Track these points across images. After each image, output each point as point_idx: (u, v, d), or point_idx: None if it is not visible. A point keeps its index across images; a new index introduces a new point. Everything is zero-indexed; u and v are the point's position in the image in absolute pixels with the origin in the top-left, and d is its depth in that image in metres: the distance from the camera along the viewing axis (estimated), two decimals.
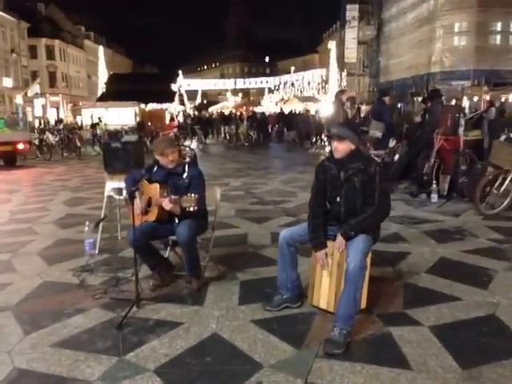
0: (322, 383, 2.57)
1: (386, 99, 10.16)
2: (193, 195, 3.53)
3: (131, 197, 3.55)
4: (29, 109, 39.59)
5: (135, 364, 2.80)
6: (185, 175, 3.85)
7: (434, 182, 7.27)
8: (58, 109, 49.72)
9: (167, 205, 3.64)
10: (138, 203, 3.75)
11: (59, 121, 30.97)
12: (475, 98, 23.31)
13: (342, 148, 3.21)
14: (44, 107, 41.34)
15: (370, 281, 3.35)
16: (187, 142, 19.04)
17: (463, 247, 4.87)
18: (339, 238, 3.21)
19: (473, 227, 5.65)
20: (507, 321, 3.21)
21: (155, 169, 3.86)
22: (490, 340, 2.96)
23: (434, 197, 7.12)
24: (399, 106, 31.74)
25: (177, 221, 3.85)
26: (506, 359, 2.71)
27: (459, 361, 2.72)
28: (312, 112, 25.29)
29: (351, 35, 46.30)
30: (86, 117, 27.33)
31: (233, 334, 3.12)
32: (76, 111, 36.62)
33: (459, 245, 4.98)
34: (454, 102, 12.83)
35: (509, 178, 6.18)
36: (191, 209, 3.52)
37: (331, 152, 3.38)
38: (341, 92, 10.37)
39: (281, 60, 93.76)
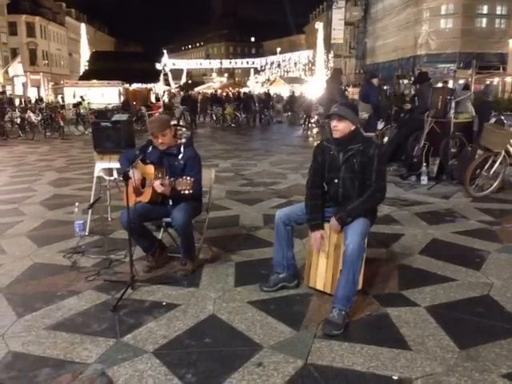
0: (322, 364, 2.57)
1: (374, 81, 10.15)
2: (188, 178, 3.47)
3: (125, 177, 3.46)
4: (9, 87, 38.61)
5: (133, 346, 2.77)
6: (180, 156, 3.77)
7: (424, 164, 7.31)
8: (38, 87, 48.52)
9: (158, 187, 3.58)
10: (133, 182, 3.67)
11: (40, 99, 30.25)
12: (461, 81, 23.49)
13: (341, 127, 3.16)
14: (25, 86, 40.24)
15: (365, 262, 3.35)
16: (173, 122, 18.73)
17: (454, 229, 4.92)
18: (334, 223, 3.19)
19: (463, 209, 5.70)
20: (501, 301, 3.25)
21: (150, 149, 3.78)
22: (485, 320, 3.00)
23: (424, 179, 7.17)
24: (385, 88, 31.76)
25: (171, 203, 3.79)
26: (503, 339, 2.75)
27: (457, 341, 2.75)
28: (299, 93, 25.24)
29: (338, 16, 46.00)
30: (68, 95, 26.63)
31: (230, 316, 3.11)
32: (57, 90, 35.68)
33: (450, 226, 5.02)
34: (440, 85, 12.89)
35: (498, 161, 6.24)
36: (186, 192, 3.47)
37: (330, 132, 3.34)
38: (339, 71, 10.28)
39: (266, 40, 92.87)
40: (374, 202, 3.29)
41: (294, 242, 3.58)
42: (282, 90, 33.08)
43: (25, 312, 3.20)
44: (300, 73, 45.48)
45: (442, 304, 3.23)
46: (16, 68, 32.76)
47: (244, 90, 36.04)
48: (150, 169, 3.69)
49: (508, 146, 6.40)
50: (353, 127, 3.20)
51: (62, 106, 25.10)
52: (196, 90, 41.58)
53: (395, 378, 2.44)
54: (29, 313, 3.18)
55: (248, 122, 22.06)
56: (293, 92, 28.34)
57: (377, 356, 2.62)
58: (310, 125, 18.40)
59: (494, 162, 6.25)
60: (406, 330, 2.89)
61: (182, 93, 28.29)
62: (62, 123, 17.06)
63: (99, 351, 2.71)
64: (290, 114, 23.49)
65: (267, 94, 26.40)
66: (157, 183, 3.58)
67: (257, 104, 22.91)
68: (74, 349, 2.75)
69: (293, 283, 3.50)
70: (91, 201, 4.88)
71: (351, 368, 2.53)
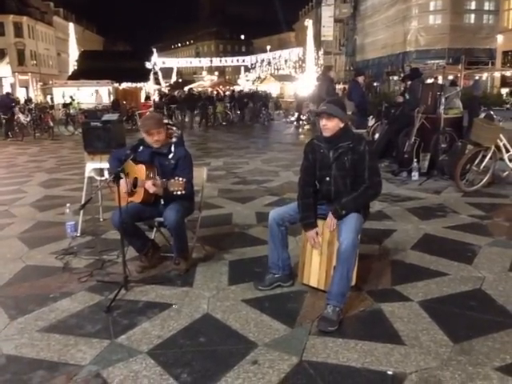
0: (317, 360, 2.58)
1: (360, 78, 10.18)
2: (181, 179, 3.46)
3: (117, 177, 3.44)
4: None
5: (128, 346, 2.75)
6: (171, 156, 3.75)
7: (415, 159, 7.35)
8: (27, 88, 48.08)
9: (150, 187, 3.57)
10: (124, 184, 3.65)
11: (29, 100, 29.99)
12: (450, 77, 23.63)
13: (331, 126, 3.16)
14: (13, 86, 39.85)
15: (358, 258, 3.36)
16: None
17: (446, 223, 4.95)
18: (330, 217, 3.19)
19: (454, 204, 5.75)
20: (493, 294, 3.28)
21: (141, 148, 3.75)
22: (478, 314, 3.03)
23: (415, 175, 7.21)
24: (375, 84, 31.84)
25: (162, 202, 3.77)
26: (496, 332, 2.78)
27: (450, 335, 2.77)
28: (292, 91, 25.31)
29: (328, 13, 45.93)
30: (57, 96, 26.39)
31: (225, 314, 3.10)
32: (46, 90, 35.36)
33: (442, 221, 5.06)
34: (431, 81, 12.99)
35: (488, 156, 6.30)
36: (179, 193, 3.46)
37: (320, 131, 3.34)
38: (328, 68, 10.31)
39: (256, 38, 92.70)
40: (367, 198, 3.30)
41: (288, 241, 3.58)
42: (273, 88, 33.05)
43: (17, 315, 3.17)
44: (290, 70, 45.46)
45: (434, 299, 3.26)
46: (3, 69, 32.38)
47: (235, 87, 35.97)
48: (142, 168, 3.67)
49: (498, 141, 6.45)
50: (342, 124, 3.21)
51: (52, 107, 24.89)
52: (186, 88, 41.41)
53: (390, 373, 2.45)
54: (21, 315, 3.16)
55: (242, 120, 21.97)
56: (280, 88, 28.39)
57: (371, 351, 2.64)
58: (301, 122, 18.42)
59: (484, 156, 6.30)
60: (399, 325, 2.91)
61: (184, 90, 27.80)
62: (51, 124, 16.94)
63: (93, 352, 2.70)
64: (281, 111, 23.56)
65: (266, 93, 26.23)
66: (149, 183, 3.57)
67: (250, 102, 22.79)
68: (68, 351, 2.73)
69: (288, 283, 3.50)
70: (82, 201, 4.82)
71: (346, 364, 2.54)
